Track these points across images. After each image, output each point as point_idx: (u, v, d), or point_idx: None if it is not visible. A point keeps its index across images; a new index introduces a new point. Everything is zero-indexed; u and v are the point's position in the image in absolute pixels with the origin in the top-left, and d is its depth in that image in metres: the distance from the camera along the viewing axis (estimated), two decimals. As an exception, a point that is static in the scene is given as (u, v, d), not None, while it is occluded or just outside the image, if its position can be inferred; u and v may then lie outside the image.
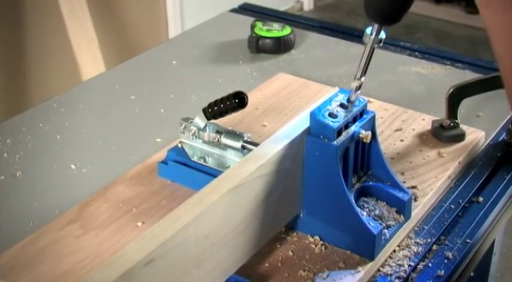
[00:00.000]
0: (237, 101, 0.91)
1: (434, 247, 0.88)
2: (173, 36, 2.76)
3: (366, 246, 0.83)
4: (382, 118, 1.12)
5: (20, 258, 0.84)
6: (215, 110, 0.93)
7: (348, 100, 0.86)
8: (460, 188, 0.99)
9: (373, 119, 0.89)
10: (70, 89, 1.28)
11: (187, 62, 1.37)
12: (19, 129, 1.13)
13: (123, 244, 0.85)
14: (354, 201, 0.85)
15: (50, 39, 2.47)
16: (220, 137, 0.93)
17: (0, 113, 2.26)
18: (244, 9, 1.63)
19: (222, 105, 0.92)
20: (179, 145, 0.98)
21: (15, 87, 2.46)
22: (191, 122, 0.95)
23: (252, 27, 1.41)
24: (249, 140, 0.93)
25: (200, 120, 0.94)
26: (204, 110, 0.94)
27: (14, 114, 1.19)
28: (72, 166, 1.03)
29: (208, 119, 0.94)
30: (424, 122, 1.11)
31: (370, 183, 0.91)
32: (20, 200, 0.96)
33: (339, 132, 0.82)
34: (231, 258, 0.78)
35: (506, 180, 1.00)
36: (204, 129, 0.94)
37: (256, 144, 0.91)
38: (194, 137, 0.96)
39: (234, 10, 1.63)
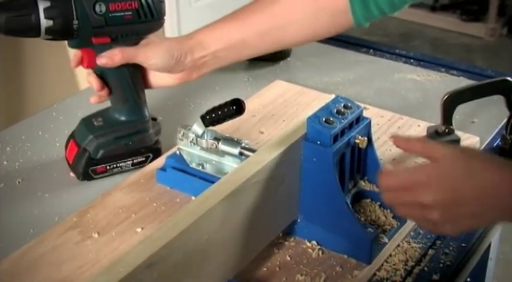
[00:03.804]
0: (234, 107, 0.93)
1: (430, 251, 0.89)
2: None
3: (362, 250, 0.84)
4: (378, 124, 1.13)
5: (20, 265, 0.84)
6: (213, 117, 0.94)
7: (344, 107, 0.87)
8: (456, 193, 1.00)
9: (368, 125, 0.90)
10: (68, 97, 1.29)
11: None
12: (18, 137, 1.14)
13: (122, 250, 0.86)
14: (350, 205, 0.86)
15: (48, 48, 2.48)
16: (218, 144, 0.94)
17: (-1, 121, 2.26)
18: (241, 18, 1.64)
19: (219, 112, 0.93)
20: (177, 152, 0.99)
21: (14, 96, 2.46)
22: (189, 129, 0.96)
23: (249, 35, 1.42)
24: (246, 146, 0.94)
25: (198, 127, 0.95)
26: (202, 117, 0.95)
27: (13, 122, 1.20)
28: (71, 174, 1.04)
29: (206, 125, 0.95)
30: (419, 128, 1.12)
31: (367, 188, 0.92)
32: (19, 207, 0.97)
33: (335, 138, 0.83)
34: (229, 262, 0.79)
35: (500, 185, 1.01)
36: (202, 136, 0.95)
37: (253, 151, 0.92)
38: (192, 144, 0.96)
39: (230, 19, 1.64)
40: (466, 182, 0.70)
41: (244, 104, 0.93)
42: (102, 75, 1.02)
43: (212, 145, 0.95)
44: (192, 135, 0.96)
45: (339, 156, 0.85)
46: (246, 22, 0.99)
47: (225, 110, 0.93)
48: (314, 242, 0.87)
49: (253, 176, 0.78)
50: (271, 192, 0.82)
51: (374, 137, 0.94)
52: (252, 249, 0.82)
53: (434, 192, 0.70)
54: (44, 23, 0.90)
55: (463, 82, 1.31)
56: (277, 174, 0.82)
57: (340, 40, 1.51)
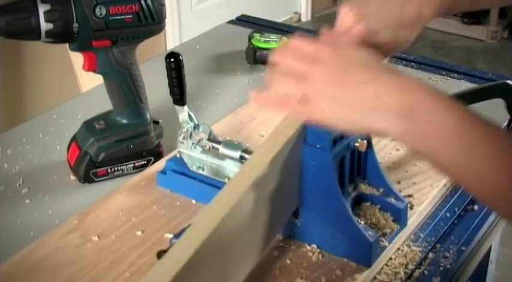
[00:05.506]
0: (172, 60, 0.93)
1: (430, 255, 0.89)
2: (171, 47, 2.77)
3: (362, 254, 0.84)
4: (378, 128, 1.13)
5: (20, 268, 0.84)
6: (174, 89, 0.94)
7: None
8: (456, 196, 1.00)
9: (369, 128, 0.89)
10: (69, 100, 1.29)
11: (186, 73, 1.37)
12: (19, 140, 1.14)
13: (122, 253, 0.86)
14: (350, 209, 0.86)
15: (49, 50, 2.48)
16: (218, 147, 0.94)
17: (0, 123, 2.26)
18: (241, 21, 1.65)
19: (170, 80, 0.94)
20: (178, 155, 0.99)
21: (15, 98, 2.47)
22: (184, 126, 0.96)
23: (250, 38, 1.42)
24: (247, 149, 0.94)
25: (182, 114, 0.95)
26: (176, 101, 0.95)
27: (14, 125, 1.21)
28: (72, 176, 1.04)
29: (183, 103, 0.95)
30: (420, 131, 1.12)
31: (367, 191, 0.92)
32: (20, 210, 0.97)
33: (335, 142, 0.83)
34: (232, 268, 0.78)
35: (501, 189, 1.01)
36: (197, 128, 0.95)
37: (254, 154, 0.91)
38: (193, 147, 0.96)
39: (231, 22, 1.65)
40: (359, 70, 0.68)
41: (180, 56, 0.94)
42: (104, 77, 1.02)
43: (212, 148, 0.94)
44: (186, 127, 0.95)
45: (338, 159, 0.85)
46: None
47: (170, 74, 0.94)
48: (314, 246, 0.87)
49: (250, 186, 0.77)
50: (267, 199, 0.81)
51: (374, 140, 0.94)
52: (255, 253, 0.82)
53: (326, 68, 0.69)
54: (44, 26, 0.91)
55: (464, 85, 1.31)
56: (270, 186, 0.80)
57: (341, 43, 1.51)
